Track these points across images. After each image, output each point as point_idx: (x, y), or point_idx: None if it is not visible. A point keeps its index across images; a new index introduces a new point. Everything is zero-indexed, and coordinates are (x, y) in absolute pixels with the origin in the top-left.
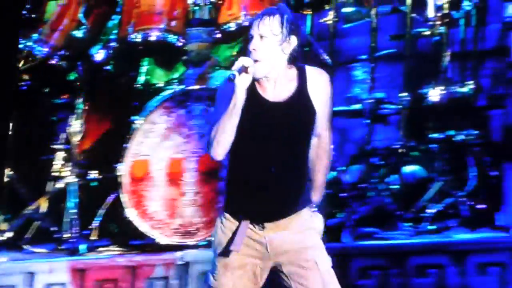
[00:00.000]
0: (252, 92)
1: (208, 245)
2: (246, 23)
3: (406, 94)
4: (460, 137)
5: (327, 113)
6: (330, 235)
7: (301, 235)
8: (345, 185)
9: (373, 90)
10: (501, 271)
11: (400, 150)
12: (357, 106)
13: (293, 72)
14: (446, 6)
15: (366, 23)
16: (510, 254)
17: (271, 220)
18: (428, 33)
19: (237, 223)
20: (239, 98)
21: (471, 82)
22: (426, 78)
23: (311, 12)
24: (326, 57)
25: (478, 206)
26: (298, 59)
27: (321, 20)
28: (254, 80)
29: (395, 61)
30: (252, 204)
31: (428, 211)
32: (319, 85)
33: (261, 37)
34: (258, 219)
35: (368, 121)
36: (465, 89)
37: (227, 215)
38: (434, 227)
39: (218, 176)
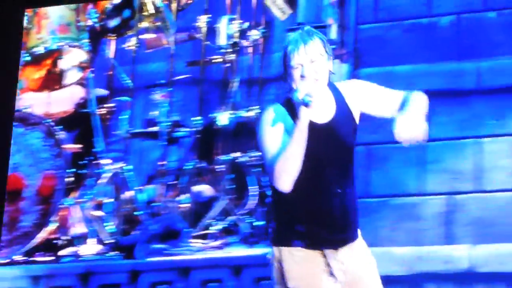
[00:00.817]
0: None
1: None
2: (55, 46)
3: (199, 117)
4: (244, 158)
5: (391, 92)
6: (124, 251)
7: (369, 261)
8: (140, 204)
9: (169, 113)
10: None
11: (191, 171)
12: (155, 128)
13: (327, 91)
14: (236, 35)
15: (165, 49)
16: None
17: (344, 244)
18: (220, 60)
19: (309, 251)
20: (305, 127)
21: (256, 107)
22: (216, 103)
23: (115, 37)
24: (127, 80)
25: (256, 224)
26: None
27: (124, 45)
28: None
29: (190, 86)
30: (322, 230)
31: (212, 228)
32: (356, 90)
33: (312, 61)
34: (331, 244)
35: (164, 143)
36: (250, 114)
37: (295, 246)
38: (217, 243)
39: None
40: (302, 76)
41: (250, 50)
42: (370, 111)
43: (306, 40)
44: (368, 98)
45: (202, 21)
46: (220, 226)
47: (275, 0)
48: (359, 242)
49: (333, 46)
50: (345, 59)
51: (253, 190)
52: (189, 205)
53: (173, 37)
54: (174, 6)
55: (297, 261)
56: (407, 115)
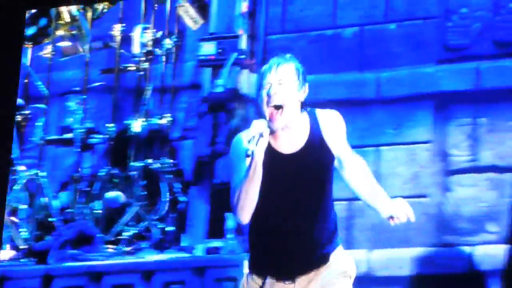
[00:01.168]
0: (267, 147)
1: None
2: None
3: (112, 124)
4: (156, 165)
5: (345, 143)
6: (37, 257)
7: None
8: (54, 210)
9: (84, 120)
10: None
11: (104, 177)
12: (69, 135)
13: (305, 118)
14: (150, 43)
15: (80, 57)
16: (190, 272)
17: (301, 274)
18: (133, 68)
19: (261, 282)
20: (259, 163)
21: (169, 115)
22: (130, 110)
23: (31, 45)
24: (43, 88)
25: (168, 229)
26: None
27: (40, 53)
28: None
29: (104, 94)
30: (278, 259)
31: (125, 234)
32: (333, 126)
33: (280, 83)
34: (286, 274)
35: (78, 149)
36: (163, 121)
37: (253, 274)
38: (129, 248)
39: None
40: (268, 95)
41: (163, 58)
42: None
43: (281, 62)
44: (340, 135)
45: (117, 29)
46: (132, 232)
47: (187, 10)
48: (328, 268)
49: (243, 56)
50: (254, 69)
51: (165, 196)
52: (102, 211)
53: (88, 45)
54: (89, 14)
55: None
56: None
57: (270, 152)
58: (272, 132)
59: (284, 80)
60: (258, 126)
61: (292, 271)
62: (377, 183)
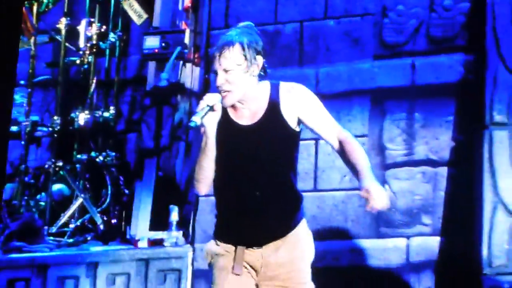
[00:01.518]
0: (224, 118)
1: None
2: None
3: (57, 117)
4: (100, 158)
5: (326, 118)
6: None
7: (293, 257)
8: None
9: (29, 113)
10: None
11: (49, 170)
12: (15, 128)
13: (266, 91)
14: (95, 37)
15: (26, 51)
16: (135, 264)
17: (265, 243)
18: (78, 61)
19: (232, 247)
20: (210, 136)
21: (113, 107)
22: (75, 103)
23: None
24: None
25: (112, 221)
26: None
27: None
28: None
29: (49, 87)
30: (243, 230)
31: (69, 225)
32: (294, 100)
33: (226, 71)
34: (251, 243)
35: (24, 142)
36: (107, 114)
37: (220, 241)
38: (72, 240)
39: None
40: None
41: (107, 52)
42: (306, 122)
43: (224, 48)
44: (306, 109)
45: (63, 23)
46: (76, 224)
47: (132, 5)
48: (292, 237)
49: (187, 50)
50: (198, 63)
51: (109, 189)
52: (47, 203)
53: (35, 38)
54: (35, 8)
55: (221, 253)
56: (376, 186)
57: (230, 124)
58: (232, 105)
59: (230, 67)
60: (208, 98)
61: (258, 241)
62: (362, 157)
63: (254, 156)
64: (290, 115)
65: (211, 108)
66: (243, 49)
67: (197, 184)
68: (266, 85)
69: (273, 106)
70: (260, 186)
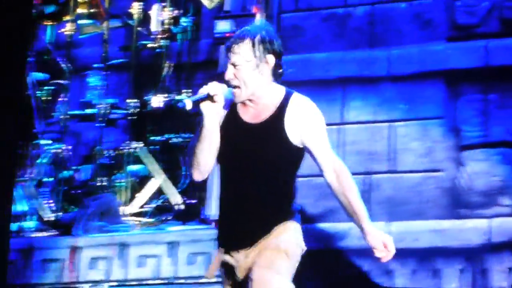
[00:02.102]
0: (232, 114)
1: None
2: None
3: (133, 100)
4: (176, 139)
5: (324, 142)
6: (63, 228)
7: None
8: (78, 183)
9: (105, 96)
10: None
11: (126, 151)
12: (91, 111)
13: (279, 96)
14: (167, 21)
15: (99, 35)
16: (213, 244)
17: (247, 246)
18: (151, 45)
19: (220, 250)
20: (207, 125)
21: (188, 90)
22: (149, 86)
23: (51, 23)
24: (63, 64)
25: (189, 202)
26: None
27: (60, 31)
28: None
29: (123, 70)
30: (230, 229)
31: (148, 206)
32: (298, 114)
33: (234, 65)
34: (233, 245)
35: (100, 124)
36: (181, 97)
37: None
38: (152, 220)
39: None
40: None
41: (179, 36)
42: (303, 139)
43: (234, 43)
44: (307, 127)
45: (135, 7)
46: (154, 204)
47: None
48: (266, 239)
49: None
50: None
51: (184, 169)
52: (125, 184)
53: (107, 23)
54: None
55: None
56: (389, 239)
57: (235, 119)
58: (242, 102)
59: (238, 62)
60: (209, 87)
61: (238, 242)
62: (357, 200)
63: (253, 154)
64: (291, 127)
65: (209, 97)
66: (253, 45)
67: (191, 170)
68: (281, 90)
69: (279, 113)
70: (249, 184)
